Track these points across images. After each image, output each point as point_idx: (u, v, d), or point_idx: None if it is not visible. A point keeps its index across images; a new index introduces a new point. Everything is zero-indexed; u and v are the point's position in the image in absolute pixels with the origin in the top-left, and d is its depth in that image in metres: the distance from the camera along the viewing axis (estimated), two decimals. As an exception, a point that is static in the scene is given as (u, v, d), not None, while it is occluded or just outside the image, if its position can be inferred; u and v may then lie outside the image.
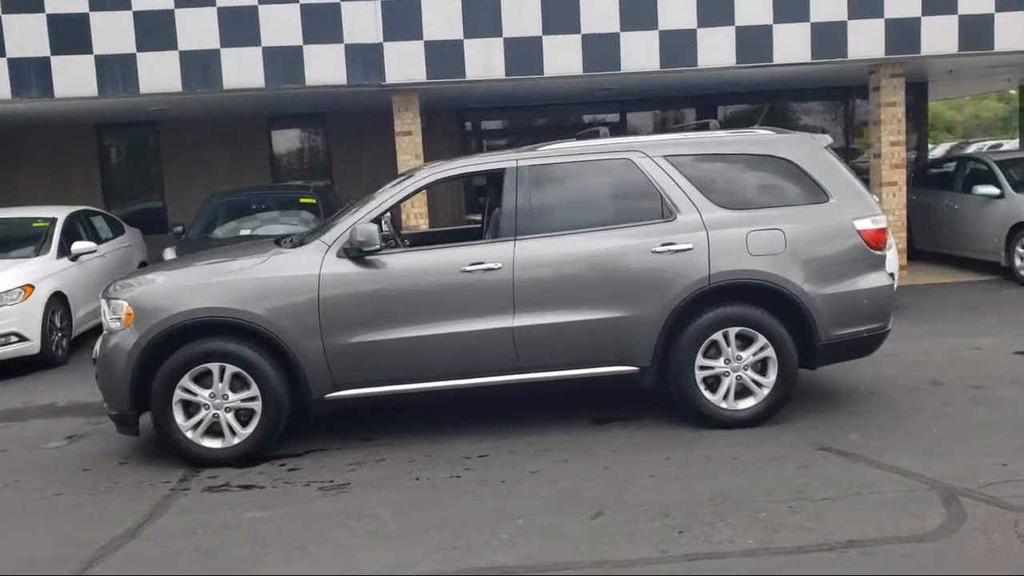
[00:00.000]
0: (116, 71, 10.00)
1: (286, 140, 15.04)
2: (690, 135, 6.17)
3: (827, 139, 6.09)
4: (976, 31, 11.15)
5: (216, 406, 5.44)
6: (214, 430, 5.48)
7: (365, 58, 10.29)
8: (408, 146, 10.92)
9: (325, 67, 10.23)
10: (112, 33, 9.99)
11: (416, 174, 5.84)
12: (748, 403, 5.71)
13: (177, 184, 14.57)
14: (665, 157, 5.77)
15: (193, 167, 14.42)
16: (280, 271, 5.52)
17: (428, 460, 5.42)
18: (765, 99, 15.35)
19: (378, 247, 5.41)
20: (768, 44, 10.86)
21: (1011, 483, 4.57)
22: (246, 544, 4.33)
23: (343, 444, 5.79)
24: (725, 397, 5.69)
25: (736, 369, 5.67)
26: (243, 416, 5.49)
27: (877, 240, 5.82)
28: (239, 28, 10.05)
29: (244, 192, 10.86)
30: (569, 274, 5.60)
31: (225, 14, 10.04)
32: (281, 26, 10.12)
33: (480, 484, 4.99)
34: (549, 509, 4.56)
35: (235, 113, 13.70)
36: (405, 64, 10.36)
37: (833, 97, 15.55)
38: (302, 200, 10.18)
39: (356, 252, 5.48)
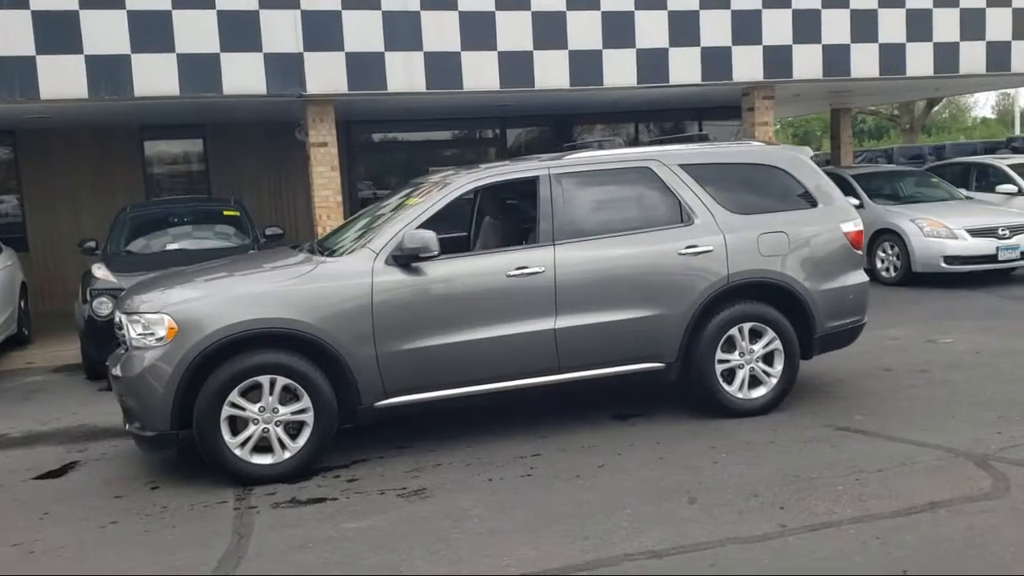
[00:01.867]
0: (12, 75, 9.21)
1: (161, 151, 14.25)
2: (695, 146, 6.63)
3: (808, 151, 6.74)
4: (836, 60, 12.47)
5: (266, 420, 5.26)
6: (260, 446, 5.30)
7: (285, 68, 10.07)
8: (324, 157, 10.76)
9: (244, 76, 9.92)
10: (5, 34, 9.20)
11: (455, 181, 5.90)
12: (760, 392, 6.20)
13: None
14: (680, 166, 6.19)
15: (56, 180, 13.37)
16: (332, 280, 5.43)
17: (483, 462, 5.49)
18: (629, 119, 16.32)
19: (436, 253, 5.45)
20: (665, 66, 11.62)
21: (1018, 447, 5.29)
22: (372, 552, 4.27)
23: (382, 453, 5.74)
24: (741, 388, 6.16)
25: (749, 361, 6.15)
26: (291, 430, 5.35)
27: (857, 241, 6.51)
28: (151, 33, 9.56)
29: (160, 205, 10.30)
30: (605, 276, 5.87)
31: (136, 18, 9.52)
32: (197, 32, 9.72)
33: (556, 480, 5.14)
34: (644, 498, 4.79)
35: (104, 123, 12.88)
36: (326, 75, 10.24)
37: (689, 117, 16.73)
38: (226, 212, 9.78)
39: (406, 259, 5.49)
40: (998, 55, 13.31)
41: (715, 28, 11.72)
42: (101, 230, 10.49)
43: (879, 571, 3.83)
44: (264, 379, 5.24)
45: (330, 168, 10.78)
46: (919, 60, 12.85)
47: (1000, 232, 11.44)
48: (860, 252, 6.54)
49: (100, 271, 8.20)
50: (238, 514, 4.86)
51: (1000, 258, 11.41)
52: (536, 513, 4.66)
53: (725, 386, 6.12)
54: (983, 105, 57.00)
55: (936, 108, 44.01)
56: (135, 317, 5.32)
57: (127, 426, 5.44)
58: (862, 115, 45.48)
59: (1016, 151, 22.15)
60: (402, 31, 10.42)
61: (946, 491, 4.67)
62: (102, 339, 8.01)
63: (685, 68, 11.65)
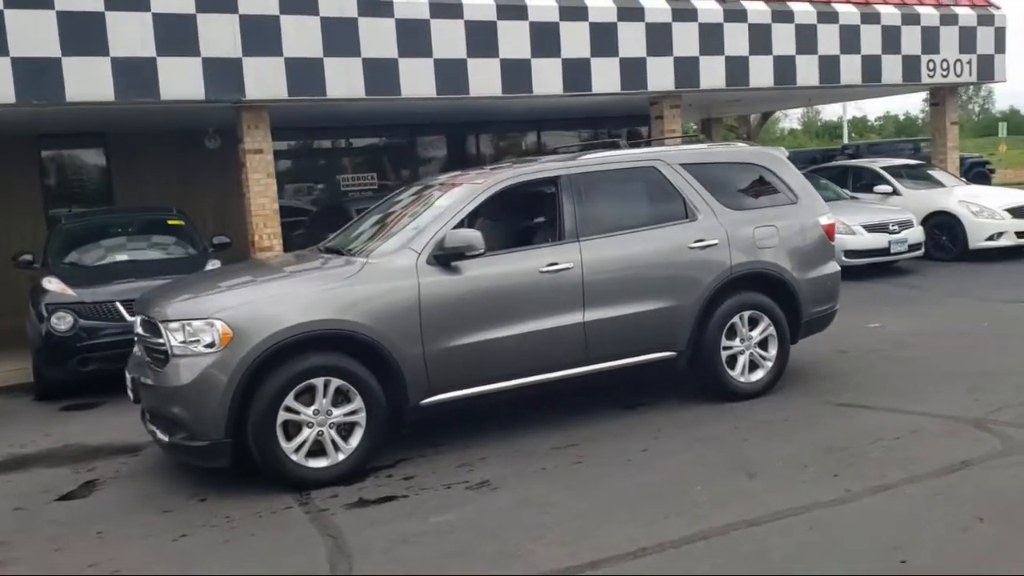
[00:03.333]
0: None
1: (60, 161, 13.40)
2: (692, 146, 7.03)
3: (784, 151, 7.28)
4: (737, 71, 13.29)
5: (319, 423, 5.22)
6: (312, 450, 5.24)
7: (224, 73, 9.79)
8: (260, 164, 10.50)
9: (182, 81, 9.57)
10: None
11: (483, 181, 6.01)
12: (758, 375, 6.65)
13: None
14: (681, 165, 6.56)
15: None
16: (380, 280, 5.44)
17: (525, 454, 5.62)
18: (531, 128, 16.72)
19: (483, 251, 5.56)
20: (588, 76, 12.05)
21: (1005, 410, 5.94)
22: (482, 540, 4.35)
23: (420, 452, 5.78)
24: (742, 372, 6.58)
25: (748, 347, 6.59)
26: (342, 432, 5.32)
27: (831, 233, 7.09)
28: (83, 36, 9.07)
29: (99, 215, 9.75)
30: (627, 271, 6.15)
31: (67, 20, 9.00)
32: (132, 36, 9.30)
33: (609, 465, 5.36)
34: (706, 475, 5.08)
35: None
36: (265, 80, 10.02)
37: (588, 126, 17.29)
38: (170, 222, 9.39)
39: (448, 258, 5.57)
40: (872, 68, 14.55)
41: (631, 40, 12.25)
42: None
43: (958, 520, 4.27)
44: (318, 381, 5.20)
45: (266, 175, 10.54)
46: (807, 72, 13.88)
47: (891, 227, 12.54)
48: (833, 244, 7.12)
49: (53, 284, 7.77)
50: (312, 517, 4.82)
51: (892, 251, 12.51)
52: (613, 496, 4.86)
53: (729, 371, 6.52)
54: (791, 118, 62.30)
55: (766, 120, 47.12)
56: (174, 324, 5.15)
57: (167, 438, 5.23)
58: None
59: (851, 157, 24.08)
60: (340, 37, 10.34)
61: (967, 451, 5.20)
62: (60, 356, 7.63)
63: (605, 78, 12.12)
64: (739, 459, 5.32)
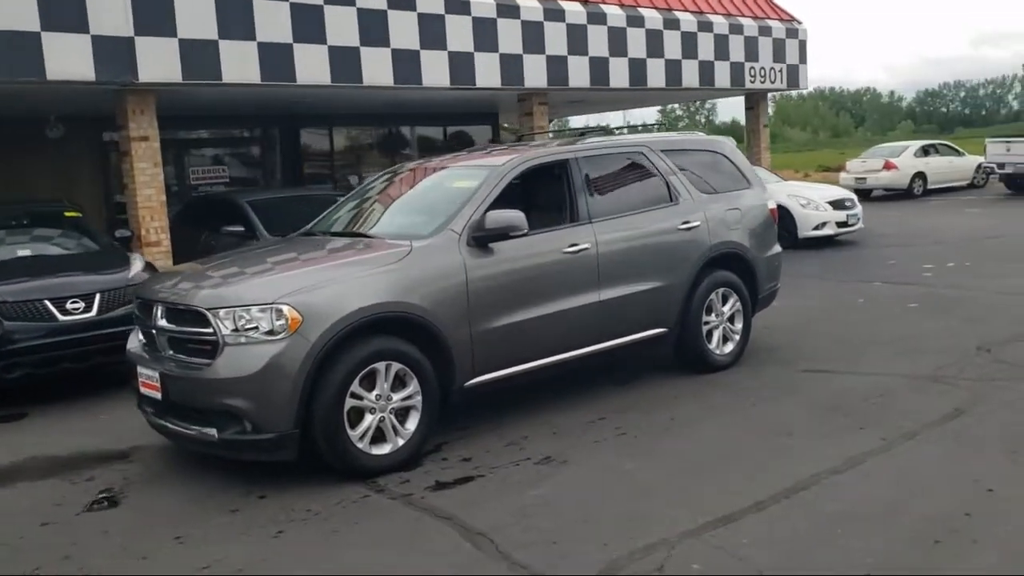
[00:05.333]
0: None
1: None
2: (666, 134, 7.39)
3: (733, 140, 7.83)
4: (600, 71, 13.95)
5: (380, 409, 5.07)
6: (374, 436, 5.08)
7: (115, 53, 9.03)
8: (146, 153, 9.76)
9: (69, 60, 8.74)
10: None
11: (502, 163, 6.02)
12: (729, 348, 7.15)
13: None
14: (662, 151, 6.92)
15: None
16: (431, 262, 5.35)
17: (564, 431, 5.72)
18: (375, 123, 16.56)
19: (526, 231, 5.60)
20: (472, 70, 12.19)
21: (946, 368, 6.77)
22: (601, 506, 4.45)
23: (457, 436, 5.72)
24: (718, 345, 7.05)
25: (722, 322, 7.07)
26: (400, 417, 5.20)
27: (775, 216, 7.73)
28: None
29: (-15, 206, 8.54)
30: (632, 251, 6.42)
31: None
32: (12, 8, 8.36)
33: (652, 434, 5.59)
34: (752, 437, 5.42)
35: None
36: (159, 62, 9.34)
37: (441, 123, 17.35)
38: (68, 214, 8.46)
39: (486, 239, 5.58)
40: (707, 73, 15.76)
41: (510, 37, 12.54)
42: None
43: (998, 455, 4.91)
44: (381, 366, 5.05)
45: (152, 164, 9.81)
46: (655, 74, 14.81)
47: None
48: (776, 226, 7.77)
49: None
50: (402, 503, 4.69)
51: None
52: (680, 460, 5.10)
53: (708, 345, 6.96)
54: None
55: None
56: (224, 312, 4.81)
57: (215, 434, 4.86)
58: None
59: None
60: (235, 19, 9.83)
61: (949, 402, 5.92)
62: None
63: (487, 73, 12.33)
64: (764, 421, 5.74)
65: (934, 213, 19.74)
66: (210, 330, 4.84)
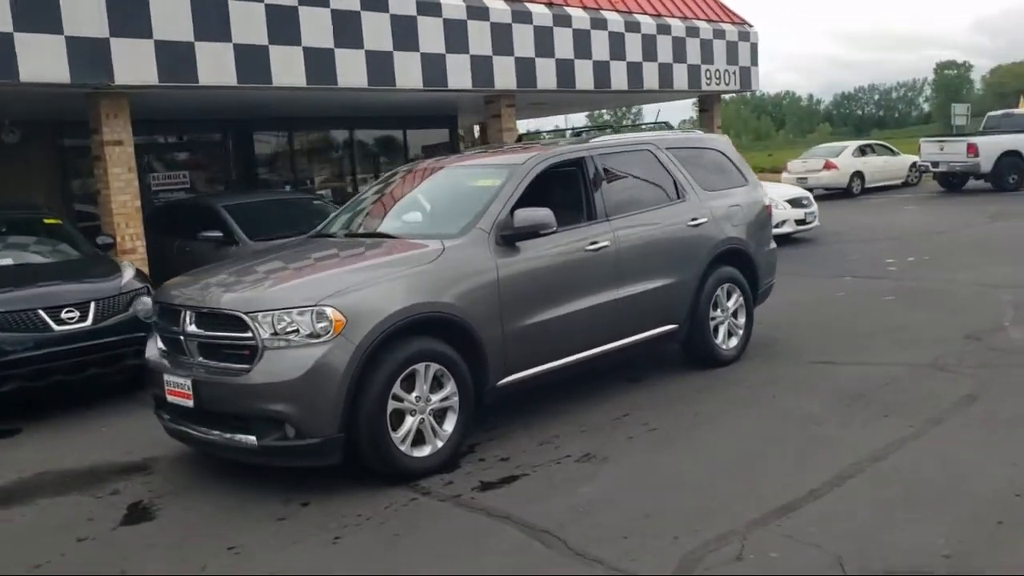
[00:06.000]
0: None
1: None
2: (670, 132, 7.44)
3: (728, 138, 7.93)
4: (566, 73, 14.00)
5: (420, 410, 5.00)
6: (415, 439, 5.01)
7: (91, 54, 8.73)
8: (120, 157, 9.47)
9: (44, 61, 8.41)
10: None
11: (522, 161, 5.99)
12: (734, 343, 7.23)
13: None
14: (667, 149, 6.98)
15: None
16: (465, 261, 5.30)
17: (592, 428, 5.72)
18: (332, 126, 16.35)
19: (555, 228, 5.59)
20: (444, 72, 12.13)
21: (944, 357, 6.97)
22: (661, 499, 4.45)
23: (487, 437, 5.67)
24: (724, 340, 7.13)
25: (727, 317, 7.15)
26: (437, 418, 5.13)
27: (770, 213, 7.86)
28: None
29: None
30: (648, 248, 6.46)
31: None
32: (-17, 6, 8.03)
33: (681, 429, 5.63)
34: (783, 428, 5.48)
35: None
36: (135, 64, 9.06)
37: (393, 126, 17.20)
38: (47, 221, 8.13)
39: (514, 237, 5.55)
40: (666, 75, 15.96)
41: (480, 38, 12.51)
42: None
43: (1026, 436, 5.08)
44: (420, 367, 4.98)
45: (127, 169, 9.51)
46: (618, 77, 14.93)
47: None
48: (771, 222, 7.91)
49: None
50: (454, 503, 4.64)
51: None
52: (721, 455, 5.12)
53: (715, 340, 7.04)
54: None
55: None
56: (263, 315, 4.69)
57: (255, 440, 4.72)
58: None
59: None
60: (211, 20, 9.60)
61: (958, 388, 6.08)
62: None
63: (459, 74, 12.27)
64: (790, 413, 5.81)
65: (876, 211, 20.32)
66: (248, 334, 4.71)
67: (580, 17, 14.14)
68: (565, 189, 6.30)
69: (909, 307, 9.05)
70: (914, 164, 26.58)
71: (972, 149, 22.89)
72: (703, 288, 6.86)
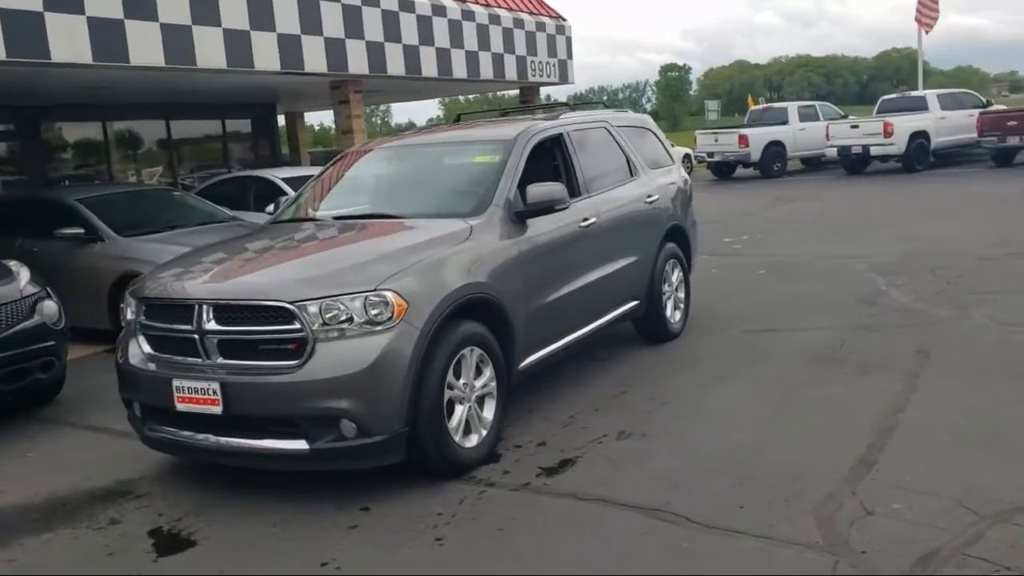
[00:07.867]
0: None
1: None
2: (615, 112, 7.43)
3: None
4: (413, 60, 13.68)
5: (467, 398, 4.70)
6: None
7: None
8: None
9: None
10: None
11: (515, 137, 5.73)
12: (678, 316, 7.39)
13: None
14: (618, 127, 6.99)
15: None
16: (490, 239, 5.01)
17: (602, 409, 5.60)
18: (160, 114, 14.99)
19: (568, 204, 5.41)
20: (299, 54, 11.44)
21: (878, 319, 7.51)
22: (738, 471, 4.45)
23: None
24: (672, 314, 7.26)
25: (673, 292, 7.30)
26: (478, 406, 4.84)
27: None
28: None
29: None
30: (623, 224, 6.46)
31: None
32: None
33: (696, 400, 5.68)
34: (796, 392, 5.63)
35: None
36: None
37: (210, 115, 15.98)
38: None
39: (528, 214, 5.34)
40: (497, 65, 16.01)
41: (333, 20, 11.93)
42: None
43: (1004, 375, 5.57)
44: (468, 352, 4.67)
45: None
46: (458, 65, 14.81)
47: None
48: (692, 199, 8.16)
49: None
50: (529, 493, 4.39)
51: None
52: (754, 419, 5.18)
53: (666, 314, 7.16)
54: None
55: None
56: (312, 305, 4.19)
57: (311, 444, 4.20)
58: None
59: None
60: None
61: (905, 345, 6.56)
62: None
63: (314, 58, 11.63)
64: (775, 379, 5.97)
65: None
66: (295, 326, 4.19)
67: (422, 3, 13.87)
68: (547, 165, 6.15)
69: (785, 280, 9.62)
70: (686, 155, 28.33)
71: (743, 140, 24.96)
72: (656, 264, 6.96)
